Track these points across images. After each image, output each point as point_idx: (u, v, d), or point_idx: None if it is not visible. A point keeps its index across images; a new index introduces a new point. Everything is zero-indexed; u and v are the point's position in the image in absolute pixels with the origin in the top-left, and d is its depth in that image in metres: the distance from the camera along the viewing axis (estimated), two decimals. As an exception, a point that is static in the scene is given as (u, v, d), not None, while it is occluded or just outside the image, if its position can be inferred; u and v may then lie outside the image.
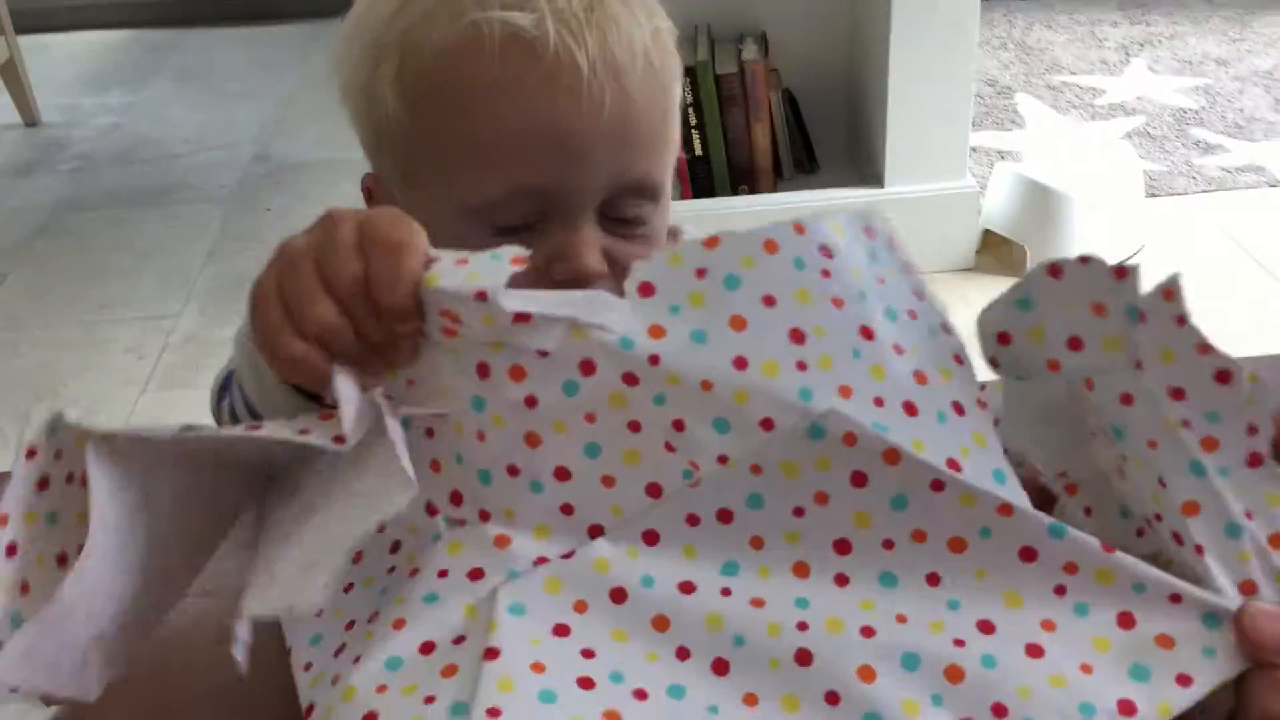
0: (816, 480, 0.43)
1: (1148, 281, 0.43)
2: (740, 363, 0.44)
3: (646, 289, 0.45)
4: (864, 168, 2.23)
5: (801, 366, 0.44)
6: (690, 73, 2.06)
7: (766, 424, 0.43)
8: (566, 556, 0.45)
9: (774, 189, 2.17)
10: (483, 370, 0.46)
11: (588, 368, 0.45)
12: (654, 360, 0.44)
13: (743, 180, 2.16)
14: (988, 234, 2.18)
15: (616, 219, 0.67)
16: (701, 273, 0.45)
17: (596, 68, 0.62)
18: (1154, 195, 2.32)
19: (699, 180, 2.15)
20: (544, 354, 0.45)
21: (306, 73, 3.23)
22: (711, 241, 0.45)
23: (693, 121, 2.11)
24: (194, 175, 2.73)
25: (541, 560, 0.45)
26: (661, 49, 0.67)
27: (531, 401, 0.46)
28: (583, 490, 0.46)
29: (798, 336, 0.44)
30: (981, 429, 0.46)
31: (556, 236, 0.65)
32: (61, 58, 3.52)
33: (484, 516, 0.47)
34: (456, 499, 0.48)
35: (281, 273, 0.47)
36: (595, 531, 0.45)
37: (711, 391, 0.44)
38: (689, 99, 2.08)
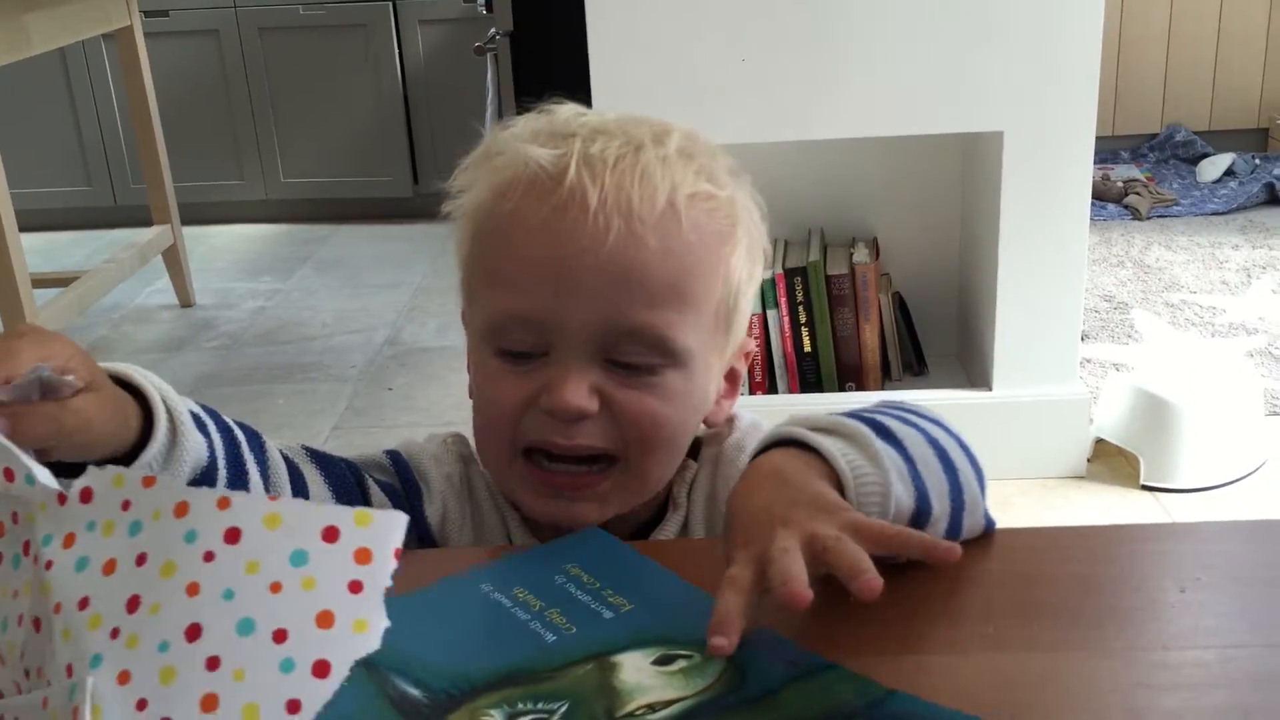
0: None
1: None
2: (84, 603, 0.46)
3: (86, 494, 0.49)
4: (973, 371, 2.24)
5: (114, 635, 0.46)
6: (801, 272, 2.13)
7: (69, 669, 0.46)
8: None
9: (881, 387, 2.20)
10: None
11: (25, 547, 0.49)
12: (48, 565, 0.48)
13: (850, 378, 2.20)
14: (1100, 443, 2.16)
15: (621, 364, 0.69)
16: (125, 505, 0.48)
17: (606, 205, 0.66)
18: (1275, 414, 2.27)
19: (806, 376, 2.19)
20: (14, 520, 0.50)
21: (437, 267, 3.43)
22: (148, 481, 0.49)
23: (802, 319, 2.16)
24: (329, 356, 2.88)
25: None
26: (703, 211, 0.69)
27: None
28: None
29: (133, 605, 0.46)
30: None
31: (551, 368, 0.68)
32: (219, 247, 3.79)
33: None
34: None
35: None
36: None
37: (58, 615, 0.47)
38: (800, 297, 2.14)
